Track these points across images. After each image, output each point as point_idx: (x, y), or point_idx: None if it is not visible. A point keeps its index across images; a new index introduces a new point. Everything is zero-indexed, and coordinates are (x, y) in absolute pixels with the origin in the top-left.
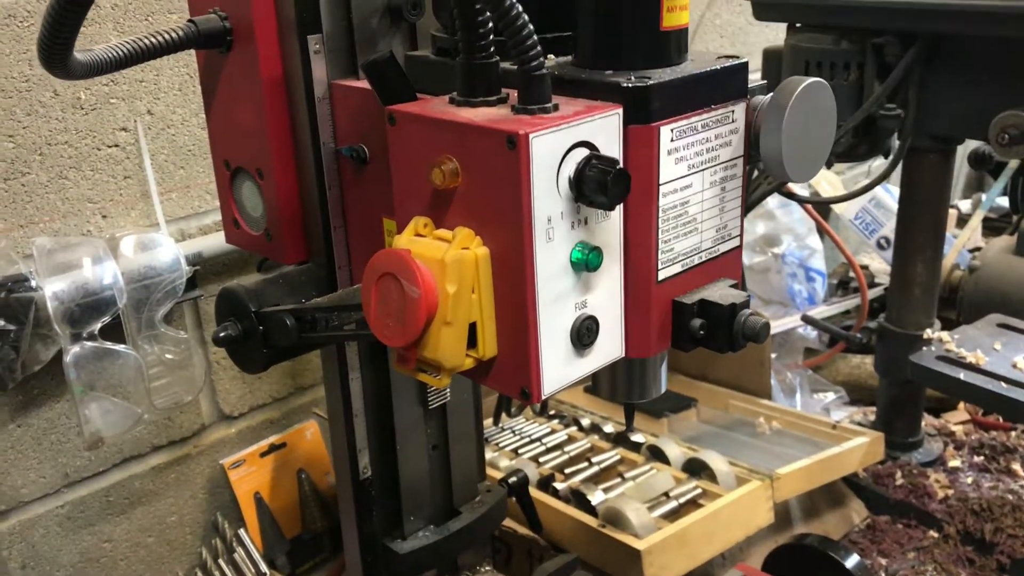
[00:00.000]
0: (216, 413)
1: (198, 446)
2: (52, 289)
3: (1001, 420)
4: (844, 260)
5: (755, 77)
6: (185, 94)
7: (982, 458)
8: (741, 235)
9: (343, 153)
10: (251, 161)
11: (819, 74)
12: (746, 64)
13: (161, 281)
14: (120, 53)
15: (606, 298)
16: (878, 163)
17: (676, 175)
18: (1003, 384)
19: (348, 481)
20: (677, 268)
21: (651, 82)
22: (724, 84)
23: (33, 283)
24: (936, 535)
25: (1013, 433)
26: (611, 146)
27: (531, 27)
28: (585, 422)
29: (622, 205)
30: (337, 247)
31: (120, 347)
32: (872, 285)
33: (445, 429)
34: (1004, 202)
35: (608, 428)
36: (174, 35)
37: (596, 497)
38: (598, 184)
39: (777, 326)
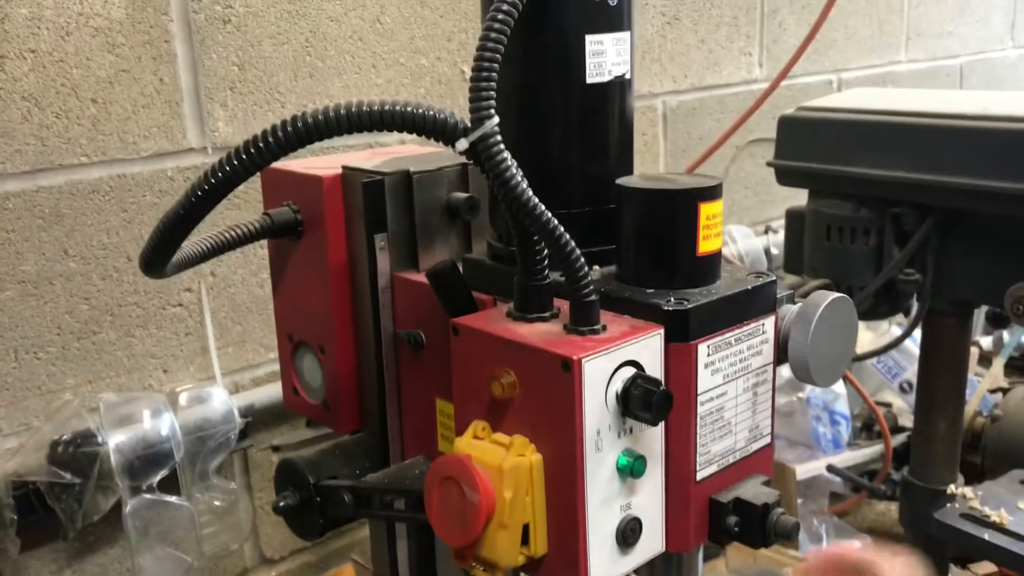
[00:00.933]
0: (258, 557)
1: None
2: (115, 442)
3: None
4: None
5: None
6: (246, 256)
7: None
8: (772, 433)
9: (401, 337)
10: (314, 337)
11: (840, 238)
12: (775, 281)
13: (215, 432)
14: (205, 248)
15: (648, 499)
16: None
17: (712, 385)
18: None
19: None
20: (714, 468)
21: (689, 305)
22: (755, 301)
23: (99, 438)
24: None
25: None
26: (654, 362)
27: (582, 259)
28: None
29: None
30: (391, 421)
31: (175, 499)
32: (895, 429)
33: None
34: None
35: None
36: (251, 228)
37: None
38: (643, 403)
39: (803, 472)
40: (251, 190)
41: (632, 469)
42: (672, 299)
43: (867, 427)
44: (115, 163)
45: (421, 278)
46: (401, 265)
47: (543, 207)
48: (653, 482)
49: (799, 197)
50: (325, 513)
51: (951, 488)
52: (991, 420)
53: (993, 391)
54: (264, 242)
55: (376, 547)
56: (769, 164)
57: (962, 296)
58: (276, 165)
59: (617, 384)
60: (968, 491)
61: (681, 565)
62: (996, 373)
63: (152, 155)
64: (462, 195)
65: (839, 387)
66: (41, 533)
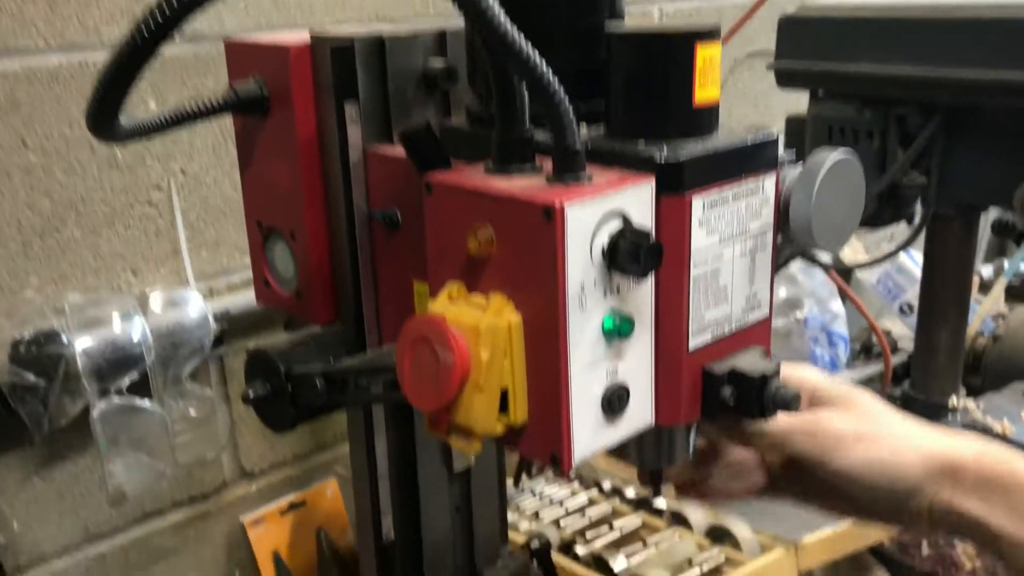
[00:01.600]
0: (237, 470)
1: (219, 503)
2: (82, 345)
3: None
4: (866, 325)
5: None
6: (218, 155)
7: None
8: (771, 305)
9: (375, 216)
10: (284, 222)
11: (842, 141)
12: (776, 139)
13: (189, 338)
14: (164, 118)
15: (637, 367)
16: (900, 228)
17: (707, 245)
18: None
19: (371, 544)
20: (707, 337)
21: (683, 156)
22: (754, 156)
23: (64, 339)
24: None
25: None
26: (644, 216)
27: (568, 104)
28: (606, 485)
29: (654, 274)
30: (367, 308)
31: (146, 403)
32: (894, 350)
33: (468, 491)
34: None
35: (630, 492)
36: (214, 101)
37: (618, 563)
38: (631, 254)
39: None
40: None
41: (619, 330)
42: (666, 149)
43: (865, 349)
44: (75, 49)
45: (396, 152)
46: (374, 138)
47: (524, 42)
48: (641, 348)
49: (799, 106)
50: (296, 402)
51: (953, 401)
52: (992, 340)
53: (993, 317)
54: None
55: (354, 442)
56: (769, 67)
57: (969, 199)
58: (241, 37)
59: (603, 237)
60: (970, 403)
61: (673, 439)
62: (996, 296)
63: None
64: (439, 62)
65: (837, 307)
66: (6, 438)
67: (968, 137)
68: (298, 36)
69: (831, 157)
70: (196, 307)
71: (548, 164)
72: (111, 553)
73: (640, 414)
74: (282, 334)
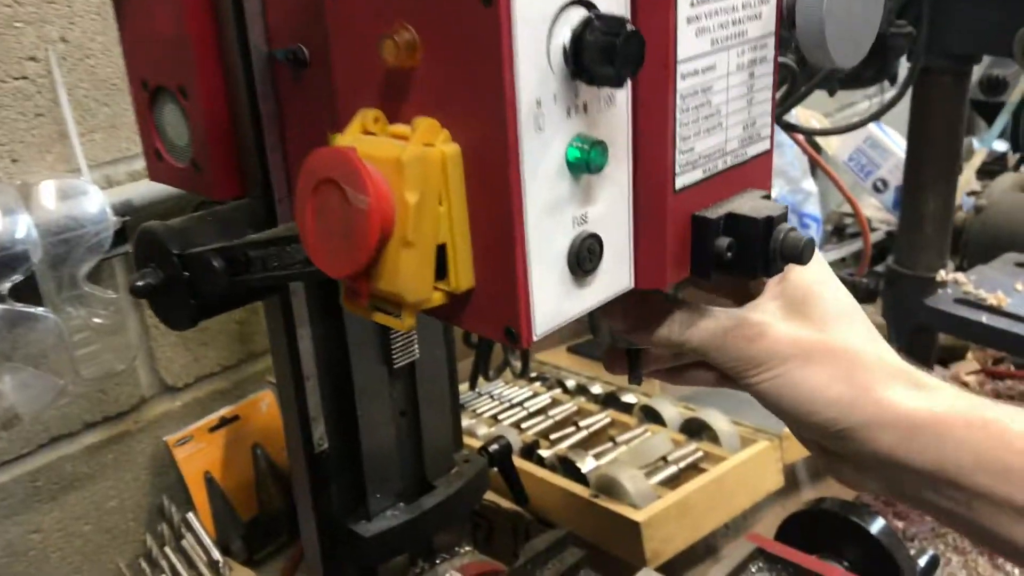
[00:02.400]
0: (157, 384)
1: (138, 422)
2: None
3: (1014, 369)
4: (836, 206)
5: None
6: (105, 19)
7: None
8: (772, 137)
9: (277, 57)
10: (172, 77)
11: None
12: None
13: (84, 234)
14: None
15: (611, 211)
16: (866, 105)
17: (697, 51)
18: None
19: (301, 456)
20: (698, 175)
21: None
22: None
23: None
24: None
25: None
26: (616, 5)
27: None
28: (570, 384)
29: (631, 87)
30: (275, 174)
31: (37, 310)
32: (871, 230)
33: (414, 392)
34: (997, 146)
35: (596, 389)
36: None
37: (587, 464)
38: (603, 51)
39: None
40: None
41: (589, 161)
42: None
43: (838, 230)
44: None
45: None
46: None
47: None
48: (617, 188)
49: None
50: (196, 292)
51: (941, 274)
52: (975, 211)
53: (968, 194)
54: None
55: (274, 339)
56: None
57: (961, 48)
58: None
59: (564, 32)
60: (960, 276)
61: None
62: (976, 164)
63: None
64: None
65: (809, 186)
66: None
67: None
68: None
69: None
70: (92, 199)
71: None
72: (14, 482)
73: (616, 274)
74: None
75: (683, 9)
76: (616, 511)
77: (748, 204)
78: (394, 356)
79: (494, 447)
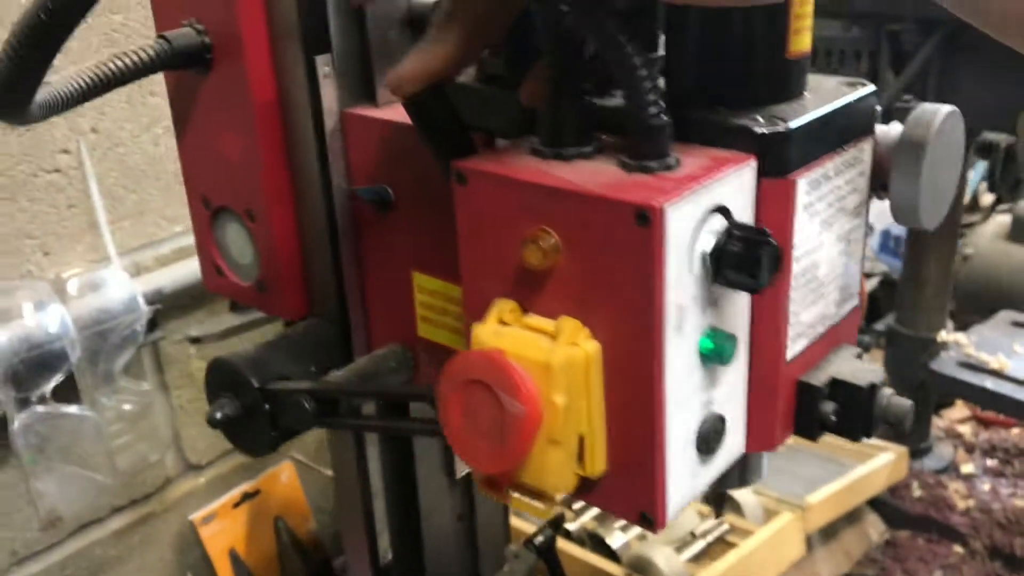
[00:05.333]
0: (182, 464)
1: (164, 502)
2: None
3: (1002, 416)
4: None
5: None
6: (133, 106)
7: (995, 462)
8: (862, 291)
9: (361, 196)
10: (239, 200)
11: (827, 64)
12: (875, 91)
13: (117, 325)
14: (82, 84)
15: (731, 390)
16: None
17: (810, 234)
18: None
19: (368, 568)
20: (803, 343)
21: (788, 126)
22: (856, 118)
23: None
24: (962, 550)
25: (1015, 431)
26: (744, 206)
27: (646, 65)
28: None
29: None
30: (352, 303)
31: (75, 409)
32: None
33: (471, 496)
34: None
35: None
36: (143, 57)
37: (616, 539)
38: (745, 262)
39: None
40: (134, 21)
41: (720, 353)
42: (760, 117)
43: None
44: None
45: (382, 114)
46: (353, 98)
47: None
48: (736, 367)
49: None
50: (277, 423)
51: (942, 334)
52: (963, 259)
53: None
54: (157, 86)
55: (339, 454)
56: None
57: (966, 123)
58: None
59: (706, 239)
60: (961, 337)
61: (748, 460)
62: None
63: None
64: (427, 1)
65: None
66: None
67: (969, 57)
68: None
69: (938, 117)
70: (122, 288)
71: (606, 138)
72: (45, 572)
73: (732, 445)
74: (228, 315)
75: (800, 199)
76: None
77: (847, 367)
78: (456, 464)
79: (539, 539)
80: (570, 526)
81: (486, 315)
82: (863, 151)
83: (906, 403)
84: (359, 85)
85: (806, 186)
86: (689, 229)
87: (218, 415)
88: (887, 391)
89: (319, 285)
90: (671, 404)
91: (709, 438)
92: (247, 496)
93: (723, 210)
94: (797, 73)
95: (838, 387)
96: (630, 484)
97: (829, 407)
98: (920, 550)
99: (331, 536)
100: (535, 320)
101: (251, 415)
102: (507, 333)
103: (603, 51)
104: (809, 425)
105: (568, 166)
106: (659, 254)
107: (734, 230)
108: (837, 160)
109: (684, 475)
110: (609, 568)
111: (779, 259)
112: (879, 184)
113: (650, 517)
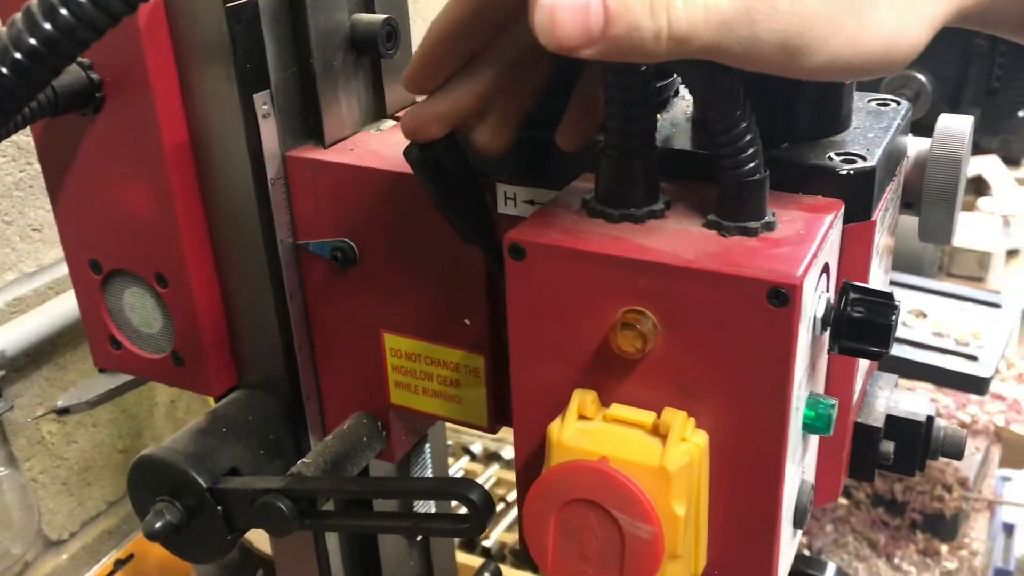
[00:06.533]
0: (41, 542)
1: None
2: None
3: None
4: None
5: None
6: None
7: None
8: None
9: (315, 251)
10: (144, 262)
11: None
12: (910, 107)
13: None
14: None
15: (811, 453)
16: None
17: (879, 272)
18: (906, 347)
19: None
20: (860, 384)
21: (871, 163)
22: (898, 144)
23: None
24: (847, 502)
25: None
26: (834, 256)
27: (749, 114)
28: (476, 448)
29: None
30: (304, 372)
31: None
32: None
33: (428, 554)
34: None
35: (507, 453)
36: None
37: None
38: (871, 328)
39: None
40: None
41: (826, 422)
42: (834, 155)
43: None
44: None
45: (334, 156)
46: (296, 138)
47: None
48: None
49: None
50: (231, 522)
51: None
52: None
53: None
54: None
55: (292, 556)
56: None
57: None
58: None
59: (818, 305)
60: None
61: None
62: None
63: None
64: (373, 18)
65: None
66: None
67: None
68: None
69: (967, 129)
70: None
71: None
72: None
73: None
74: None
75: (877, 240)
76: None
77: (900, 401)
78: None
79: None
80: (486, 543)
81: (564, 411)
82: (902, 174)
83: (961, 433)
84: (301, 122)
85: (878, 224)
86: (812, 299)
87: (158, 525)
88: (942, 422)
89: (252, 353)
90: (786, 487)
91: (804, 510)
92: (120, 563)
93: (826, 267)
94: (848, 100)
95: (895, 424)
96: (738, 573)
97: (888, 447)
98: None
99: None
100: (624, 412)
101: (197, 519)
102: (597, 432)
103: (702, 97)
104: (868, 467)
105: (648, 231)
106: (794, 334)
107: (852, 292)
108: (890, 192)
109: (786, 551)
110: None
111: (897, 319)
112: (904, 202)
113: None
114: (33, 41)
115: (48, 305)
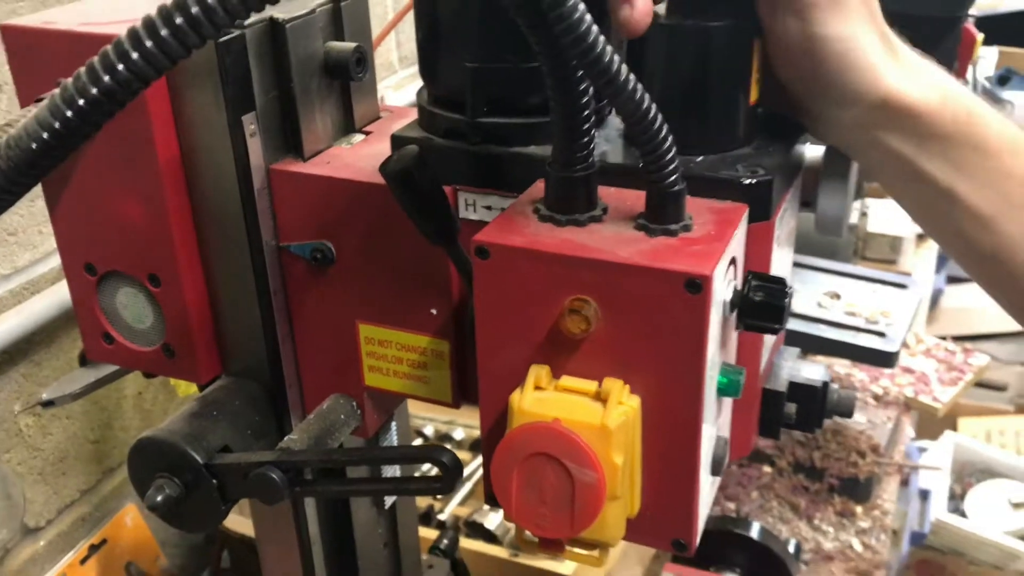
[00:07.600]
0: (18, 530)
1: None
2: None
3: None
4: None
5: None
6: None
7: None
8: None
9: (296, 252)
10: (138, 265)
11: None
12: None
13: None
14: None
15: (726, 412)
16: None
17: (779, 262)
18: (822, 326)
19: None
20: (767, 355)
21: (769, 173)
22: (795, 153)
23: None
24: (771, 470)
25: None
26: (740, 251)
27: (670, 133)
28: (428, 431)
29: None
30: (285, 360)
31: None
32: None
33: (395, 523)
34: None
35: (458, 434)
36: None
37: (491, 521)
38: (767, 309)
39: None
40: None
41: (735, 387)
42: (740, 167)
43: None
44: None
45: (312, 169)
46: (277, 152)
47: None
48: None
49: None
50: (225, 494)
51: None
52: None
53: None
54: None
55: (272, 524)
56: None
57: None
58: (30, 23)
59: (726, 291)
60: None
61: None
62: None
63: None
64: (344, 46)
65: None
66: None
67: None
68: (112, 9)
69: None
70: None
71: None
72: None
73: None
74: (78, 371)
75: (776, 237)
76: (541, 567)
77: (798, 369)
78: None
79: (445, 543)
80: (441, 516)
81: (523, 383)
82: (800, 176)
83: (852, 395)
84: (283, 139)
85: (778, 223)
86: (722, 287)
87: (159, 499)
88: (835, 386)
89: (237, 344)
90: (704, 441)
91: (720, 460)
92: (94, 548)
93: (733, 260)
94: (755, 118)
95: (796, 389)
96: (665, 517)
97: (791, 408)
98: (736, 475)
99: (179, 568)
100: (572, 383)
101: (194, 493)
102: (550, 399)
103: (626, 113)
104: (773, 426)
105: (588, 233)
106: (707, 316)
107: (754, 279)
108: (789, 195)
109: (704, 497)
110: (494, 551)
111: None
112: (802, 201)
113: (684, 542)
114: (95, 91)
115: (25, 305)
